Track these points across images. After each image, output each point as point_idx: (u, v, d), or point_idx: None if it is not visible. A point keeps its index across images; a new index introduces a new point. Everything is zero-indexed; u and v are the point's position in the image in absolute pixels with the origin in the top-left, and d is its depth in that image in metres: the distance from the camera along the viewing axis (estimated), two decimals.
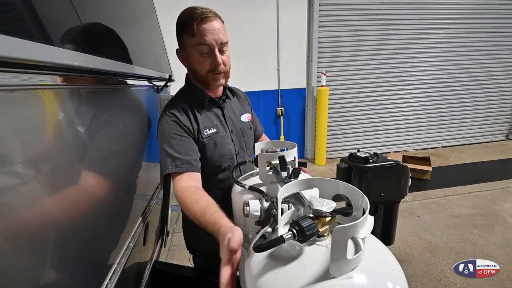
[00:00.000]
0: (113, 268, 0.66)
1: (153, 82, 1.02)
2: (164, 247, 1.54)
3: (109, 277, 0.63)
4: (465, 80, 4.44)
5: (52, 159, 0.46)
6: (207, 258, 1.06)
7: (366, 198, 0.46)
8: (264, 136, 1.23)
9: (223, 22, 0.89)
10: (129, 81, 0.72)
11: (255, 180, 0.86)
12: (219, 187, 0.98)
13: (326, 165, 4.06)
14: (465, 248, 2.06)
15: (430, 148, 4.42)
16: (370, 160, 0.68)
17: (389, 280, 0.46)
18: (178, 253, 2.20)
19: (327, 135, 4.08)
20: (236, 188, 0.85)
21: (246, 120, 1.07)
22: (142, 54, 0.94)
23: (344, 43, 3.98)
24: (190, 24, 0.83)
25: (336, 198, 0.56)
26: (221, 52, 0.89)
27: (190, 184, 0.82)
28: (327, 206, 0.48)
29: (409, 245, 2.15)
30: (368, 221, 0.43)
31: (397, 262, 0.51)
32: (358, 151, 0.74)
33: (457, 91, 4.46)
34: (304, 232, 0.46)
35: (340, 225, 0.40)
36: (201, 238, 0.98)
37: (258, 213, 0.69)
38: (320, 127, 3.98)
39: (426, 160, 3.55)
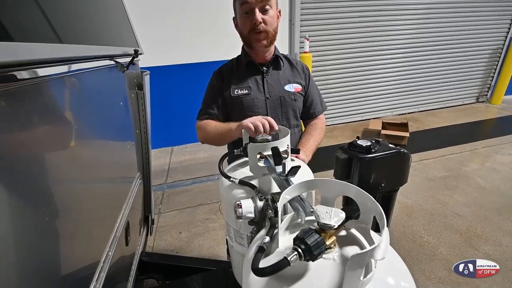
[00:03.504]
0: (92, 285, 0.58)
1: (115, 59, 0.84)
2: (150, 235, 1.49)
3: None
4: (439, 46, 4.43)
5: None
6: None
7: (382, 210, 0.41)
8: (319, 119, 1.15)
9: None
10: (79, 65, 0.56)
11: (245, 172, 0.79)
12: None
13: None
14: (437, 209, 2.23)
15: (408, 113, 4.56)
16: (373, 150, 0.62)
17: (399, 285, 0.43)
18: (166, 233, 2.18)
19: None
20: (224, 181, 0.78)
21: (292, 90, 1.06)
22: (95, 28, 0.75)
23: (328, 3, 3.72)
24: None
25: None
26: (264, 11, 0.92)
27: (205, 122, 1.03)
28: (336, 218, 0.42)
29: None
30: (385, 240, 0.37)
31: (403, 263, 0.49)
32: (358, 138, 0.67)
33: (432, 56, 4.48)
34: (312, 252, 0.40)
35: (358, 253, 0.34)
36: None
37: (252, 215, 0.63)
38: None
39: (404, 126, 3.66)
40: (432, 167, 2.89)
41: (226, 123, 0.99)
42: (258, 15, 0.92)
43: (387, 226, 0.79)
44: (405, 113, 4.56)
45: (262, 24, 0.93)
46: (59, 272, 0.50)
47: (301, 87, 1.08)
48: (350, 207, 0.51)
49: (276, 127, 0.82)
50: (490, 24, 4.55)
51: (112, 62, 0.83)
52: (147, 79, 1.20)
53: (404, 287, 0.44)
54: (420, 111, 4.74)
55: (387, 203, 0.70)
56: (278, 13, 1.00)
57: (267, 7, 0.92)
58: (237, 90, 1.02)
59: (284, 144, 0.73)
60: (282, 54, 1.09)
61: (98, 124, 0.73)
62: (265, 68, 1.05)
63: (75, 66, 0.56)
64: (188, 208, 2.48)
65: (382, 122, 3.85)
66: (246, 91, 1.02)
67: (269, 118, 0.82)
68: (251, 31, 0.95)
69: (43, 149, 0.48)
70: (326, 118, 4.53)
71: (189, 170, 3.16)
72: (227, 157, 0.89)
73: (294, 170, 0.59)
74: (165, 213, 2.43)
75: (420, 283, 1.60)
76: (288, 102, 1.05)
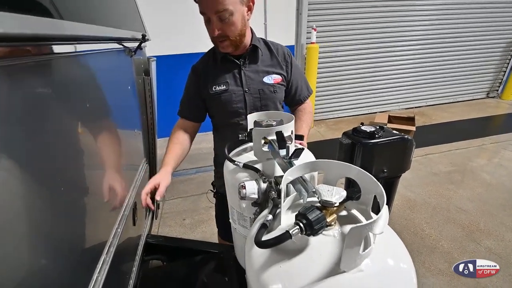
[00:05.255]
0: (102, 259, 0.61)
1: (123, 43, 0.85)
2: (156, 219, 1.53)
3: (98, 269, 0.59)
4: (450, 39, 4.33)
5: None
6: (219, 197, 1.20)
7: (382, 189, 0.42)
8: (306, 103, 1.13)
9: None
10: (88, 46, 0.57)
11: (249, 157, 0.80)
12: (225, 138, 1.04)
13: (314, 127, 4.06)
14: (441, 203, 2.22)
15: (415, 108, 4.49)
16: (376, 135, 0.63)
17: (398, 265, 0.44)
18: (170, 219, 2.23)
19: (315, 96, 3.98)
20: (229, 165, 0.79)
21: (271, 81, 1.02)
22: (104, 9, 0.76)
23: None
24: None
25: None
26: (222, 20, 0.85)
27: (179, 131, 1.04)
28: (337, 195, 0.44)
29: None
30: (384, 216, 0.38)
31: (401, 241, 0.50)
32: (362, 124, 0.68)
33: (442, 50, 4.37)
34: (313, 226, 0.41)
35: (357, 225, 0.35)
36: (218, 178, 1.19)
37: (256, 196, 0.64)
38: None
39: (410, 120, 3.61)
40: (438, 161, 2.87)
41: (167, 157, 0.95)
42: (215, 28, 0.86)
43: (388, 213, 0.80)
44: (413, 107, 4.50)
45: (220, 35, 0.88)
46: (73, 244, 0.53)
47: (281, 78, 1.03)
48: (352, 189, 0.52)
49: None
50: (503, 17, 4.39)
51: (120, 46, 0.84)
52: (153, 65, 1.21)
53: (403, 268, 0.45)
54: (428, 106, 4.66)
55: (388, 189, 0.71)
56: (251, 3, 0.92)
57: (226, 15, 0.84)
58: (214, 86, 0.99)
59: (288, 129, 0.74)
60: (261, 39, 1.04)
61: (109, 107, 0.75)
62: (242, 60, 0.99)
63: (86, 47, 0.57)
64: (192, 196, 2.52)
65: (389, 116, 3.81)
66: (224, 87, 0.98)
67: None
68: (214, 38, 0.90)
69: (63, 129, 0.49)
70: (331, 111, 4.47)
71: (193, 160, 3.19)
72: (227, 145, 0.89)
73: (298, 152, 0.60)
74: (170, 200, 2.48)
75: (420, 274, 1.62)
76: (267, 94, 1.01)
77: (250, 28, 1.01)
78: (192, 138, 1.10)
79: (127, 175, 0.92)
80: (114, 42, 0.77)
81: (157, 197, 0.82)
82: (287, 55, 1.06)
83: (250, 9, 0.92)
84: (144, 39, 1.00)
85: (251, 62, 1.01)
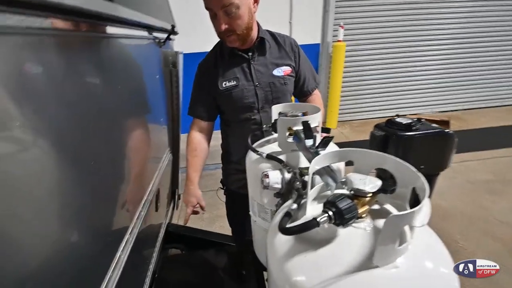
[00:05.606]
0: (125, 238, 0.62)
1: (153, 33, 0.87)
2: (176, 209, 1.56)
3: (122, 248, 0.60)
4: (489, 37, 3.96)
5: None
6: (230, 194, 1.20)
7: (425, 181, 0.37)
8: (315, 94, 1.11)
9: None
10: (123, 30, 0.59)
11: (273, 148, 0.78)
12: (236, 133, 1.04)
13: (337, 128, 3.93)
14: (477, 214, 2.03)
15: (449, 111, 4.18)
16: (413, 127, 0.57)
17: (438, 267, 0.40)
18: None
19: (341, 96, 3.85)
20: (252, 155, 0.78)
21: (281, 74, 1.00)
22: None
23: None
24: None
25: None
26: (228, 14, 0.84)
27: (194, 135, 1.04)
28: (371, 185, 0.40)
29: None
30: (426, 208, 0.34)
31: (441, 242, 0.45)
32: (397, 116, 0.63)
33: (481, 49, 4.02)
34: (343, 215, 0.38)
35: (396, 214, 0.32)
36: (228, 175, 1.17)
37: (279, 185, 0.62)
38: (333, 87, 3.74)
39: (444, 124, 3.36)
40: (475, 169, 2.64)
41: (191, 169, 1.01)
42: (222, 23, 0.85)
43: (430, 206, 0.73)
44: (447, 111, 4.19)
45: (227, 30, 0.87)
46: (100, 221, 0.54)
47: (290, 69, 1.02)
48: (385, 182, 0.48)
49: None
50: None
51: (150, 35, 0.86)
52: (181, 58, 1.23)
53: (442, 273, 0.40)
54: (464, 109, 4.32)
55: None
56: None
57: (232, 9, 0.83)
58: (225, 82, 0.97)
59: (315, 120, 0.71)
60: (267, 31, 1.03)
61: (139, 93, 0.76)
62: (251, 54, 0.98)
63: (117, 30, 0.58)
64: (211, 191, 2.53)
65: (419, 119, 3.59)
66: (234, 83, 0.97)
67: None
68: (220, 33, 0.90)
69: (94, 110, 0.50)
70: (356, 112, 4.27)
71: (213, 156, 3.19)
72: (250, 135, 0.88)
73: (326, 141, 0.57)
74: None
75: None
76: (278, 87, 0.99)
77: (256, 21, 0.99)
78: (209, 139, 1.10)
79: (153, 162, 0.94)
80: (145, 30, 0.79)
81: (205, 210, 1.00)
82: (294, 46, 1.05)
83: (256, 0, 0.91)
84: (173, 30, 1.02)
85: (259, 55, 1.00)
